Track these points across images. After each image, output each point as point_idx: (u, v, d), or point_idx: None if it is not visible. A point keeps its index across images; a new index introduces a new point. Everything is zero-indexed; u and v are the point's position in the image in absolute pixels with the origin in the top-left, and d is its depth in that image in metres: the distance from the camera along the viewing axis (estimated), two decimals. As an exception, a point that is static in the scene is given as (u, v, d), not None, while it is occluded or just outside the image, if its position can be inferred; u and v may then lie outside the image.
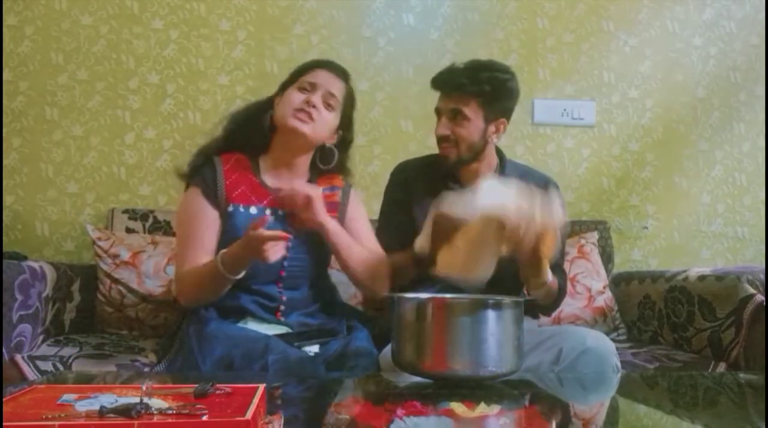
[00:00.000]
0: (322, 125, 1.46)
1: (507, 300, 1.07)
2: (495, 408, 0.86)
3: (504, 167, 1.65)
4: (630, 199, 2.56)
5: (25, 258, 1.84)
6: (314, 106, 1.43)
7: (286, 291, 1.47)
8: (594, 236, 2.24)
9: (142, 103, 2.35)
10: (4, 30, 2.29)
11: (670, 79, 2.59)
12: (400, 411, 0.83)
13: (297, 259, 1.47)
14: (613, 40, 2.57)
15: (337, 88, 1.49)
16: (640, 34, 2.59)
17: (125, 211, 2.17)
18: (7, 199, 2.27)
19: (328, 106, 1.47)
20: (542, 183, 1.61)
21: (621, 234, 2.51)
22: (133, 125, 2.35)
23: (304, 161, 1.53)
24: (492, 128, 1.57)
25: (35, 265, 1.68)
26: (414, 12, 2.50)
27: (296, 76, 1.50)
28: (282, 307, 1.46)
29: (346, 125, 1.55)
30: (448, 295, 1.20)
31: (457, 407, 0.84)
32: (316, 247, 1.50)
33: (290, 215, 1.46)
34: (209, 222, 1.43)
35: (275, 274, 1.45)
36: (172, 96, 2.37)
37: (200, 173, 1.47)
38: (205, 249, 1.41)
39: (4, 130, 2.28)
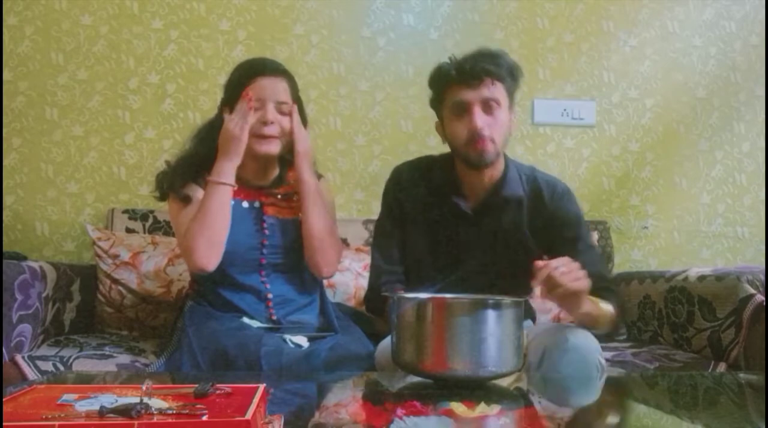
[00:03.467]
0: (284, 134, 1.47)
1: (507, 300, 1.07)
2: (495, 408, 0.86)
3: (508, 169, 1.49)
4: (630, 199, 2.56)
5: (25, 258, 1.83)
6: (272, 123, 1.43)
7: (270, 281, 1.50)
8: (594, 236, 2.24)
9: (142, 103, 2.35)
10: (4, 30, 2.29)
11: (670, 79, 2.59)
12: (399, 411, 0.83)
13: (275, 246, 1.51)
14: (613, 40, 2.57)
15: (282, 90, 1.46)
16: (640, 34, 2.59)
17: (125, 211, 2.17)
18: (7, 199, 2.27)
19: (282, 113, 1.46)
20: (551, 189, 1.52)
21: (621, 234, 2.51)
22: (133, 125, 2.35)
23: (271, 165, 1.56)
24: (513, 117, 1.46)
25: (35, 265, 1.68)
26: (414, 12, 2.50)
27: (237, 90, 1.46)
28: (270, 303, 1.49)
29: (299, 108, 1.53)
30: (448, 295, 1.19)
31: (457, 407, 0.84)
32: (292, 232, 1.52)
33: (266, 205, 1.52)
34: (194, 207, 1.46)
35: (255, 262, 1.49)
36: (172, 96, 2.37)
37: (177, 184, 1.50)
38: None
39: (4, 130, 2.28)
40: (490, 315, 1.03)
